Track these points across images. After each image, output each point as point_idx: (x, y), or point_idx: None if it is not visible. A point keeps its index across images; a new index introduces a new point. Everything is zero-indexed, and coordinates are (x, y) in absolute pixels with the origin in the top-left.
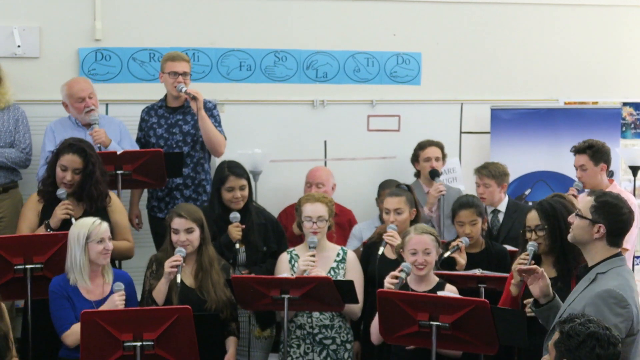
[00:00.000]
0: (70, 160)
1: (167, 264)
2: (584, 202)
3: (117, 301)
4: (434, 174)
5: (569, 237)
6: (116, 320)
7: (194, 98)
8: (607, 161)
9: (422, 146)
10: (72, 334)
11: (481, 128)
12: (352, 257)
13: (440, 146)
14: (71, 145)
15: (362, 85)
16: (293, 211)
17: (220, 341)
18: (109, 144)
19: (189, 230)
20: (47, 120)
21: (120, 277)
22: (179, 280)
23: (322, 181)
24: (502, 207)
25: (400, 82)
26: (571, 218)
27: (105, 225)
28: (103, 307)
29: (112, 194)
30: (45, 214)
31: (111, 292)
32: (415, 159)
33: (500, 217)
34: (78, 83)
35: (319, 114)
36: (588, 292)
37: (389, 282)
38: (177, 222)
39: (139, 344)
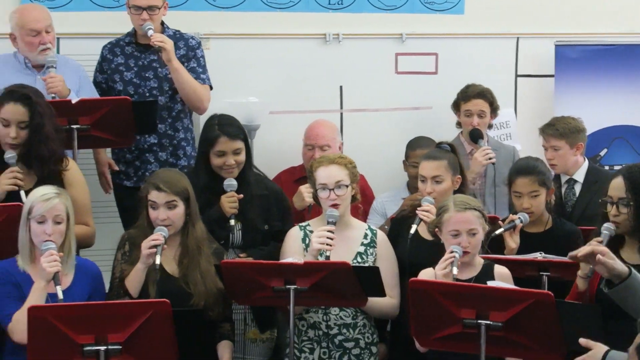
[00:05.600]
0: (13, 111)
1: (145, 244)
2: None
3: (44, 264)
4: (475, 136)
5: None
6: (74, 317)
7: (159, 50)
8: None
9: (465, 95)
10: (18, 324)
11: (543, 70)
12: (383, 239)
13: (488, 97)
14: (12, 93)
15: (389, 15)
16: (290, 177)
17: (208, 346)
18: (66, 95)
19: (170, 205)
20: None
21: (84, 268)
22: (158, 261)
23: (327, 142)
24: (580, 175)
25: (438, 11)
26: None
27: (54, 202)
28: (35, 283)
29: (72, 161)
30: None
31: (74, 286)
32: (456, 107)
33: (578, 188)
34: (33, 11)
35: (332, 52)
36: None
37: (442, 273)
38: (155, 196)
39: (102, 348)
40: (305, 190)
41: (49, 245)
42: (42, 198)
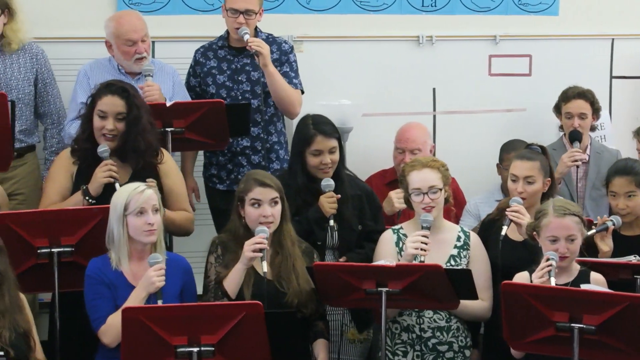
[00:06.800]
0: (110, 103)
1: (248, 246)
2: None
3: (153, 277)
4: (574, 137)
5: None
6: (167, 318)
7: (257, 54)
8: None
9: (565, 96)
10: (110, 328)
11: (638, 71)
12: (476, 241)
13: (589, 98)
14: (109, 86)
15: (483, 16)
16: (381, 181)
17: (302, 345)
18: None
19: (274, 202)
20: (72, 65)
21: (175, 262)
22: (265, 269)
23: (418, 146)
24: None
25: (532, 12)
26: None
27: (149, 192)
28: (136, 290)
29: (166, 153)
30: (81, 178)
31: (166, 281)
32: (557, 109)
33: None
34: (130, 20)
35: (425, 54)
36: None
37: (540, 282)
38: (260, 192)
39: (195, 349)
40: (394, 195)
41: (157, 259)
42: (136, 191)
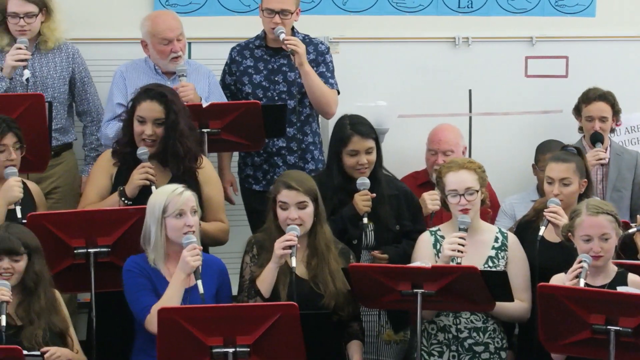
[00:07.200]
0: (149, 108)
1: (278, 244)
2: None
3: (187, 257)
4: (596, 139)
5: None
6: (203, 319)
7: (292, 53)
8: None
9: (586, 98)
10: (155, 316)
11: None
12: (514, 243)
13: (610, 100)
14: (148, 91)
15: (519, 18)
16: (414, 182)
17: (337, 347)
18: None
19: (301, 205)
20: (108, 65)
21: (210, 264)
22: (294, 264)
23: (450, 147)
24: None
25: (569, 13)
26: None
27: (187, 194)
28: (175, 274)
29: (206, 160)
30: (120, 180)
31: (202, 281)
32: (577, 111)
33: None
34: (166, 20)
35: (461, 55)
36: None
37: (571, 284)
38: (286, 195)
39: (231, 350)
40: (428, 197)
41: (191, 239)
42: (175, 193)
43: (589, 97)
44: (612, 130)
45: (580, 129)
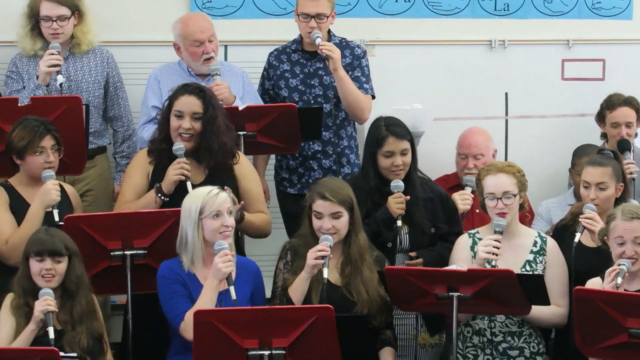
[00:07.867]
0: (187, 102)
1: (311, 254)
2: None
3: (218, 264)
4: (623, 147)
5: None
6: (238, 322)
7: (327, 58)
8: None
9: (610, 104)
10: (191, 324)
11: None
12: (553, 247)
13: (634, 105)
14: (186, 86)
15: (555, 20)
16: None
17: (371, 351)
18: (232, 102)
19: (335, 216)
20: (142, 68)
21: (245, 266)
22: (325, 275)
23: (481, 151)
24: None
25: (606, 16)
26: None
27: (223, 196)
28: (207, 280)
29: (242, 155)
30: (157, 178)
31: (237, 284)
32: (601, 118)
33: None
34: (197, 21)
35: (498, 58)
36: None
37: (609, 286)
38: (321, 205)
39: (266, 352)
40: (458, 197)
41: (222, 245)
42: (211, 195)
43: (613, 102)
44: (635, 135)
45: (603, 135)
